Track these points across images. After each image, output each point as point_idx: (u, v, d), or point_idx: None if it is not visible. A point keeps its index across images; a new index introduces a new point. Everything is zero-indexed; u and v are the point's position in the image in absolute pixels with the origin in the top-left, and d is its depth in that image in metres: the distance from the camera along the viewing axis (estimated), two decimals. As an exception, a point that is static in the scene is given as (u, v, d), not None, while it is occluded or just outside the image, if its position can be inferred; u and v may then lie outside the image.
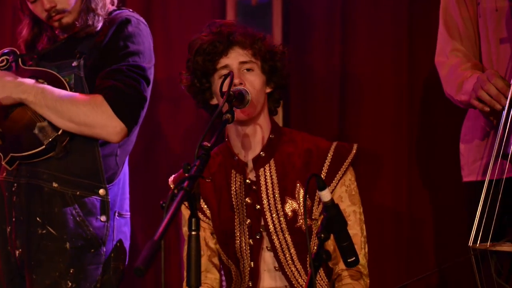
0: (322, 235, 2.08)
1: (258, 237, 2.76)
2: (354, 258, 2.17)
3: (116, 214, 2.85)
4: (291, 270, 2.75)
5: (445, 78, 2.86)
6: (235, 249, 2.78)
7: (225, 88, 2.54)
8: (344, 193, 2.75)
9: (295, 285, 2.75)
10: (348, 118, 3.59)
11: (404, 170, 3.52)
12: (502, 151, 2.52)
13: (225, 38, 2.71)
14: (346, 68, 3.59)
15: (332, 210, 2.11)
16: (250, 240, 2.76)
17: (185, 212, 2.82)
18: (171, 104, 3.69)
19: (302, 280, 2.73)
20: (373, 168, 3.46)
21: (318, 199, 2.71)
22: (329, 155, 2.76)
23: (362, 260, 2.73)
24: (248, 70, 2.72)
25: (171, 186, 2.81)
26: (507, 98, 2.54)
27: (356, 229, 2.73)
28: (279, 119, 3.57)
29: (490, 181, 2.51)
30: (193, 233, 2.04)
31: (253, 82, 2.71)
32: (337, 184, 2.73)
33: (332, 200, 2.11)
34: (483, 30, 2.78)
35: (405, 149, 3.52)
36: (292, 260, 2.75)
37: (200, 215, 2.81)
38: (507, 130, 2.52)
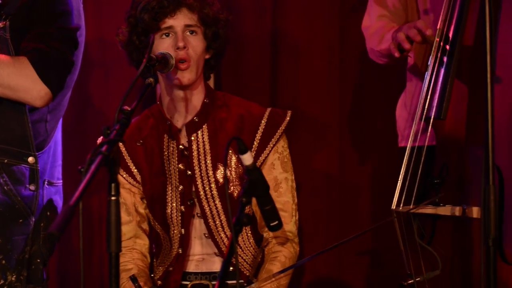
0: (244, 199, 2.06)
1: (189, 203, 2.75)
2: (277, 222, 2.16)
3: (46, 182, 2.79)
4: (221, 237, 2.76)
5: (369, 38, 2.87)
6: (165, 215, 2.77)
7: (168, 51, 2.59)
8: (276, 160, 2.76)
9: (225, 252, 2.74)
10: (279, 81, 3.57)
11: (336, 135, 3.53)
12: (425, 115, 2.54)
13: None
14: (277, 30, 3.56)
15: (254, 174, 2.10)
16: (182, 207, 2.75)
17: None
18: (102, 69, 3.63)
19: (232, 247, 2.74)
20: (305, 132, 3.46)
21: None
22: (263, 122, 2.76)
23: (293, 227, 2.76)
24: (191, 33, 2.70)
25: None
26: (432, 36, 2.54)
27: (287, 197, 2.76)
28: (210, 83, 3.55)
29: (415, 146, 2.53)
30: (113, 198, 2.01)
31: (195, 47, 2.70)
32: (270, 151, 2.75)
33: (253, 163, 2.09)
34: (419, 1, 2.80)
35: (337, 113, 3.53)
36: (222, 227, 2.75)
37: (130, 180, 2.79)
38: (429, 93, 2.54)
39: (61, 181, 2.89)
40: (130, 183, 2.79)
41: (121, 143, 2.74)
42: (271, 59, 3.56)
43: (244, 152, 2.08)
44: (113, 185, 2.02)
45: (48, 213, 2.79)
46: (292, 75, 3.56)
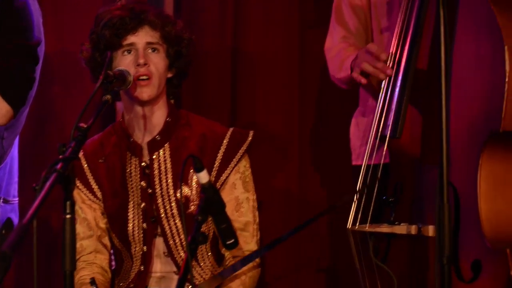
0: (199, 217, 2.06)
1: (152, 220, 2.73)
2: (233, 240, 2.16)
3: (2, 200, 2.77)
4: (180, 256, 2.75)
5: (330, 61, 2.89)
6: (127, 232, 2.75)
7: (129, 68, 2.59)
8: (238, 180, 2.76)
9: (180, 271, 2.72)
10: (240, 98, 3.59)
11: (295, 152, 3.54)
12: (380, 133, 2.55)
13: (136, 15, 2.69)
14: (238, 49, 3.58)
15: (210, 192, 2.09)
16: (144, 224, 2.74)
17: (77, 195, 2.76)
18: (62, 83, 3.61)
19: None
20: (264, 150, 3.47)
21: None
22: (225, 142, 2.76)
23: (254, 247, 2.76)
24: (153, 50, 2.70)
25: None
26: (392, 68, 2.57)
27: (249, 217, 2.76)
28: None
29: (371, 164, 2.55)
30: (68, 216, 2.00)
31: (157, 64, 2.70)
32: (231, 171, 2.75)
33: (209, 181, 2.09)
34: (374, 21, 2.81)
35: (296, 131, 3.55)
36: (182, 246, 2.74)
37: (91, 196, 2.78)
38: (384, 112, 2.56)
39: (17, 198, 2.87)
40: (90, 199, 2.78)
41: (83, 160, 2.75)
42: (232, 77, 3.57)
43: (200, 170, 2.08)
44: (68, 203, 2.00)
45: (4, 232, 2.75)
46: (252, 93, 3.57)
